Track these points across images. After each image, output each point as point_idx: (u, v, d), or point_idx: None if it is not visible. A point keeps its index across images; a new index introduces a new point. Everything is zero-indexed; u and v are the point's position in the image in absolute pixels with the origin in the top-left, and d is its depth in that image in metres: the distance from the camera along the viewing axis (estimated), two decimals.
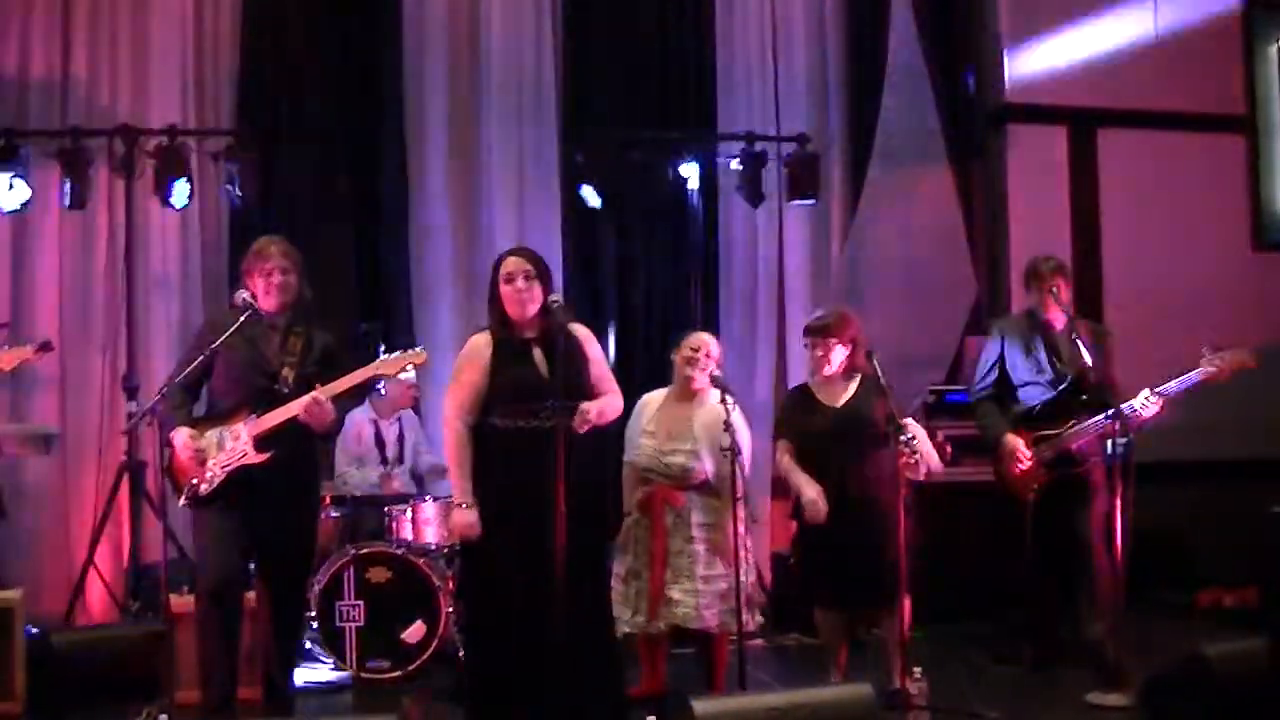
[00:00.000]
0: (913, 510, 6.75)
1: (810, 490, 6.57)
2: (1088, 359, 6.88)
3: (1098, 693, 6.64)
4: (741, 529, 6.36)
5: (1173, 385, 6.81)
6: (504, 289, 5.95)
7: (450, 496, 7.56)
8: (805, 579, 7.01)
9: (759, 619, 6.81)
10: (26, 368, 8.29)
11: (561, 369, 5.82)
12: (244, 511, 6.04)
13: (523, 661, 5.77)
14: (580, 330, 6.13)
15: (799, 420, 6.87)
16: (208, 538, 6.10)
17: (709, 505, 6.60)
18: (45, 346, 7.17)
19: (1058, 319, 7.20)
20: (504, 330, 5.99)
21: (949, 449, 8.14)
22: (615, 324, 9.39)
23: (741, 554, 6.38)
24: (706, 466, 6.57)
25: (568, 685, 5.70)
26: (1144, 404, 6.77)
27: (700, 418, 6.65)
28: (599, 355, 6.19)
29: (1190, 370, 6.81)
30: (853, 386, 6.80)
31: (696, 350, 6.73)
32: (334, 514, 7.91)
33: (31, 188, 8.32)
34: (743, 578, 6.41)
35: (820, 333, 6.81)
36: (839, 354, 6.75)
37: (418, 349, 6.21)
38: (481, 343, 6.01)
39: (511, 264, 5.98)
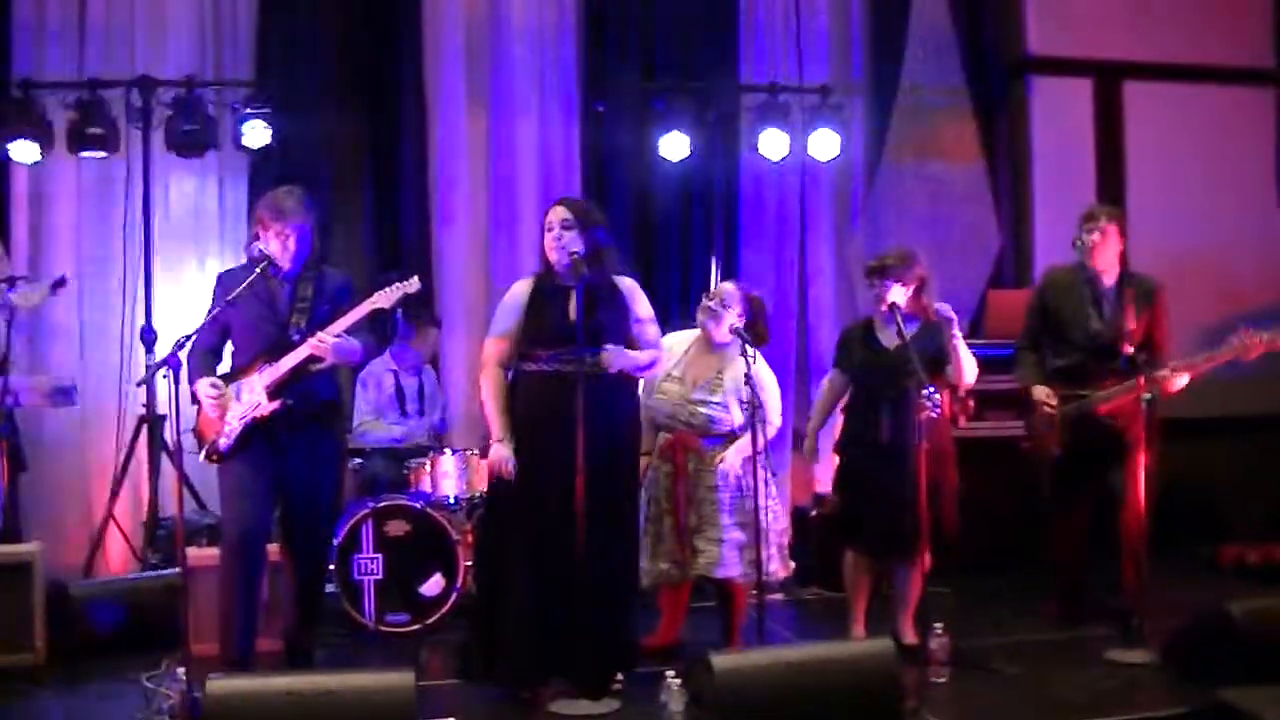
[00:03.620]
0: (954, 461, 6.75)
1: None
2: (1131, 321, 6.86)
3: (1119, 649, 6.61)
4: (767, 478, 6.45)
5: (1200, 359, 6.83)
6: (545, 236, 6.09)
7: (469, 450, 7.62)
8: (840, 516, 7.01)
9: (791, 565, 6.77)
10: (46, 315, 8.38)
11: (590, 316, 5.89)
12: (269, 463, 6.07)
13: (544, 605, 5.85)
14: (627, 284, 6.22)
15: (855, 353, 6.86)
16: (232, 489, 6.12)
17: None
18: (60, 283, 7.42)
19: (1108, 272, 7.12)
20: (548, 275, 6.11)
21: (971, 404, 8.13)
22: (637, 275, 9.29)
23: (767, 502, 6.44)
24: (734, 419, 6.54)
25: (581, 626, 5.78)
26: (1173, 375, 6.82)
27: (729, 370, 6.61)
28: (647, 310, 6.26)
29: (1219, 347, 6.81)
30: (911, 329, 6.68)
31: (711, 300, 6.71)
32: (353, 466, 7.90)
33: (50, 139, 8.27)
34: (769, 524, 6.46)
35: (876, 273, 6.75)
36: (897, 294, 6.67)
37: (412, 278, 6.21)
38: (523, 284, 6.17)
39: (552, 213, 6.13)
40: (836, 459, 7.01)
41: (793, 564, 6.77)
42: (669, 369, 6.66)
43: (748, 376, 6.13)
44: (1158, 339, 7.03)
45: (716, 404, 6.57)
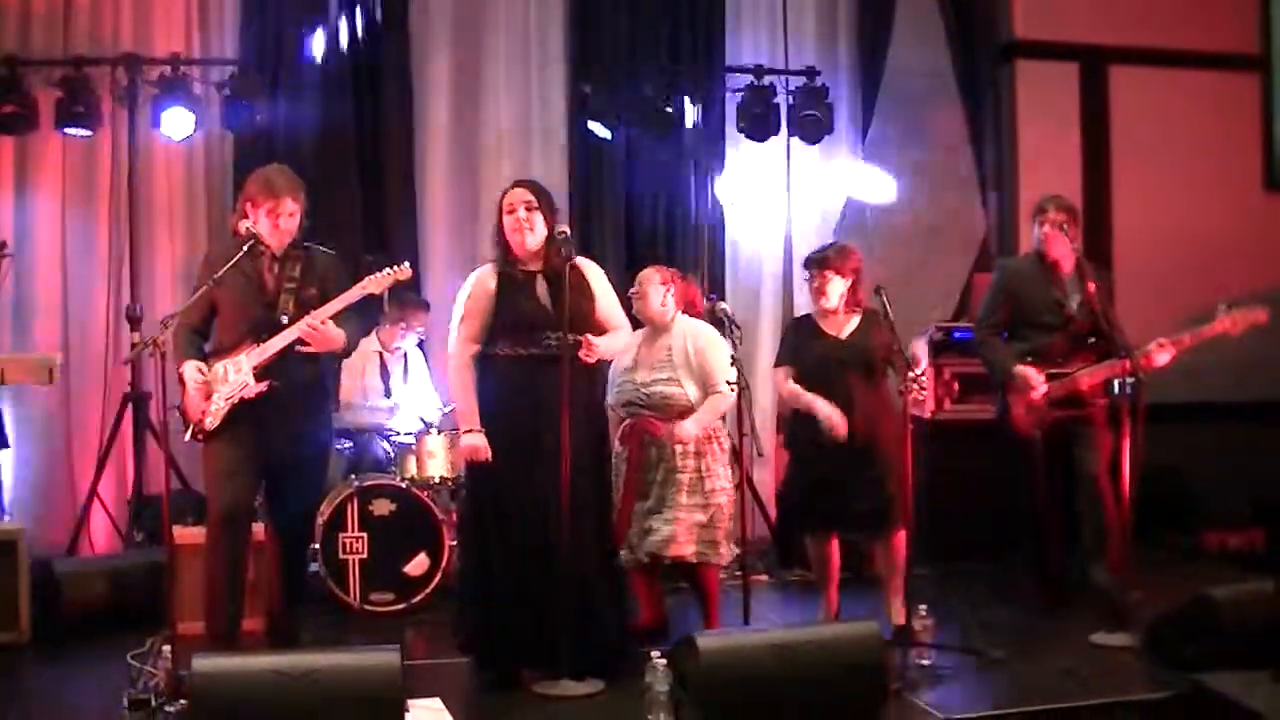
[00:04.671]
0: (915, 447, 6.76)
1: (825, 407, 6.58)
2: (1096, 304, 6.89)
3: (1102, 633, 6.62)
4: (726, 464, 6.57)
5: (1186, 337, 6.91)
6: (504, 219, 5.99)
7: (455, 429, 7.58)
8: (795, 508, 7.05)
9: (735, 549, 6.70)
10: (29, 292, 8.37)
11: (562, 301, 5.83)
12: (254, 442, 6.02)
13: (525, 591, 5.81)
14: (586, 264, 6.13)
15: (802, 348, 6.85)
16: (217, 468, 6.06)
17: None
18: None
19: (1065, 259, 7.16)
20: (507, 263, 6.00)
21: (956, 386, 8.15)
22: (621, 259, 9.31)
23: (724, 485, 6.55)
24: (688, 392, 6.55)
25: (571, 614, 5.75)
26: (1157, 351, 6.86)
27: (675, 344, 6.65)
28: (606, 289, 6.17)
29: (1204, 323, 6.90)
30: (855, 319, 6.79)
31: (634, 288, 6.77)
32: (338, 446, 7.89)
33: (35, 116, 8.24)
34: (720, 505, 6.53)
35: (818, 265, 6.81)
36: (836, 287, 6.74)
37: (403, 265, 6.19)
38: (486, 275, 6.04)
39: (512, 195, 6.02)
40: (788, 453, 7.03)
41: (736, 549, 6.70)
42: (625, 364, 6.70)
43: (734, 358, 6.14)
44: (1116, 321, 7.07)
45: (664, 379, 6.59)
